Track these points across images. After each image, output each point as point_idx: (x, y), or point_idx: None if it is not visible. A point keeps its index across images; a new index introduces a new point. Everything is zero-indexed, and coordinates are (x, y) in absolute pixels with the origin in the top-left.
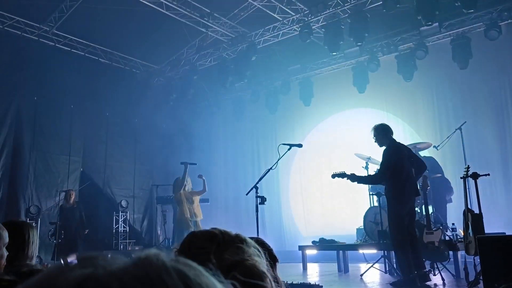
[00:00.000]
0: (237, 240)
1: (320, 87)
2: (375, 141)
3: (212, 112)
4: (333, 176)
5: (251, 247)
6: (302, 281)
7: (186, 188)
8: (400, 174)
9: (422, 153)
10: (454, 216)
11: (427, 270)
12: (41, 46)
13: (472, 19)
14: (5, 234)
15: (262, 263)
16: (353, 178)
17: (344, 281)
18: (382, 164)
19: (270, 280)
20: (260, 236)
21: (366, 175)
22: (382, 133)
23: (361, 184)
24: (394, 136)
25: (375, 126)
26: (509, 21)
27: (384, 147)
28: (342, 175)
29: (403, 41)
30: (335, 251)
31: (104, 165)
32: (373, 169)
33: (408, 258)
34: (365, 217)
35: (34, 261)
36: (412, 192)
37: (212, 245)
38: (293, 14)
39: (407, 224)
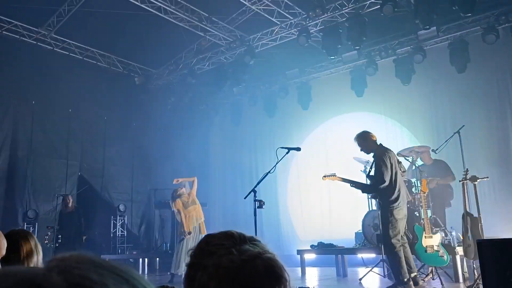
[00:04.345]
0: (253, 238)
1: (318, 91)
2: (361, 150)
3: (210, 116)
4: (324, 177)
5: (265, 245)
6: (301, 286)
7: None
8: (396, 179)
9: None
10: (453, 219)
11: (417, 274)
12: (39, 50)
13: (469, 23)
14: (4, 242)
15: (278, 257)
16: (348, 181)
17: (343, 285)
18: (379, 169)
19: (288, 274)
20: None
21: (363, 183)
22: (367, 140)
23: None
24: (392, 140)
25: (357, 134)
26: (507, 25)
27: (372, 153)
28: (332, 176)
29: (401, 45)
30: (334, 255)
31: (102, 169)
32: (371, 173)
33: (402, 262)
34: (363, 221)
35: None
36: (405, 196)
37: (230, 242)
38: (291, 18)
39: (401, 228)
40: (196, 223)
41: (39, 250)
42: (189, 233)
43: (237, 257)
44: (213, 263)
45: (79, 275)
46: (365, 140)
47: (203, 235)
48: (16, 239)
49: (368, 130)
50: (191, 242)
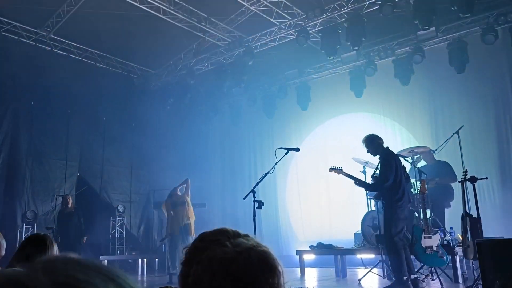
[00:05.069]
0: (247, 234)
1: (317, 91)
2: (368, 151)
3: (209, 116)
4: (330, 169)
5: (260, 240)
6: (300, 286)
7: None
8: (401, 180)
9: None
10: (453, 220)
11: (417, 276)
12: (38, 51)
13: (468, 23)
14: (3, 242)
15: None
16: (352, 177)
17: (342, 286)
18: (384, 170)
19: (282, 267)
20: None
21: (367, 182)
22: (376, 142)
23: (358, 187)
24: (391, 141)
25: (366, 137)
26: (506, 25)
27: (378, 155)
28: (338, 170)
29: (400, 45)
30: (333, 256)
31: (101, 170)
32: (370, 173)
33: (402, 262)
34: (363, 222)
35: None
36: (407, 199)
37: (224, 236)
38: (290, 18)
39: (403, 227)
40: (182, 223)
41: None
42: (170, 234)
43: (231, 249)
44: (207, 256)
45: (65, 274)
46: (372, 143)
47: (192, 236)
48: (45, 242)
49: (376, 134)
50: (179, 243)
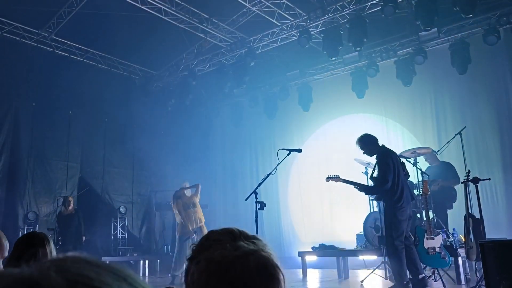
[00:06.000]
0: (254, 237)
1: (319, 92)
2: (364, 153)
3: (210, 117)
4: (327, 179)
5: (267, 243)
6: None
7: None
8: (398, 179)
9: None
10: (455, 221)
11: (425, 275)
12: (39, 51)
13: (470, 24)
14: (6, 243)
15: (276, 257)
16: (351, 183)
17: (344, 287)
18: (381, 170)
19: (283, 274)
20: None
21: (366, 185)
22: (370, 142)
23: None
24: (393, 142)
25: (358, 138)
26: (508, 26)
27: (375, 155)
28: (335, 178)
29: (402, 46)
30: (335, 257)
31: (103, 171)
32: (374, 174)
33: (403, 265)
34: (365, 223)
35: None
36: (409, 197)
37: (228, 237)
38: (292, 19)
39: (404, 230)
40: (196, 225)
41: (53, 256)
42: (195, 231)
43: (230, 252)
44: (205, 257)
45: (77, 273)
46: (366, 143)
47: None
48: (34, 242)
49: (368, 133)
50: (189, 245)
